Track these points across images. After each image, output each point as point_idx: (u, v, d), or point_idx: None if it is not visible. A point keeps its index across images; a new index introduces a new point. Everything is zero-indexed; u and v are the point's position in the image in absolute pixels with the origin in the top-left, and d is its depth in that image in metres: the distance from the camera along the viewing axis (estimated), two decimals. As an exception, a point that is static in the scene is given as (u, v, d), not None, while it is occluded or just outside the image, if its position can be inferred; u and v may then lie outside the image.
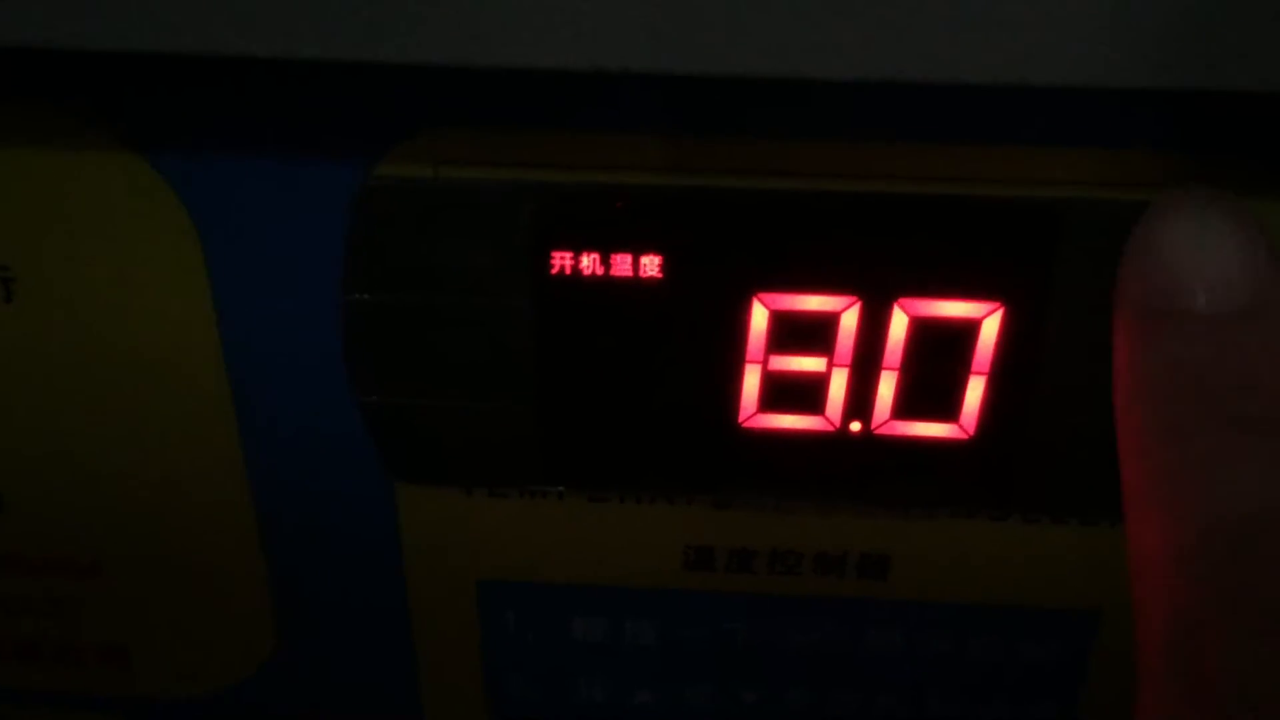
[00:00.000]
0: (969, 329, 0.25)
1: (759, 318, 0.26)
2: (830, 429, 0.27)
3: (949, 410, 0.27)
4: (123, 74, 0.23)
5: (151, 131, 0.24)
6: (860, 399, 0.27)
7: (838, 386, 0.26)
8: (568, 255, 0.25)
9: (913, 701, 0.32)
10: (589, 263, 0.25)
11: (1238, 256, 0.16)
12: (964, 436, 0.27)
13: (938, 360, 0.26)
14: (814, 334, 0.26)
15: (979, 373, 0.26)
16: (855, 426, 0.27)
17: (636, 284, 0.25)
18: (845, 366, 0.26)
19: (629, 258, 0.25)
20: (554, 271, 0.25)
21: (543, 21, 0.20)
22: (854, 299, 0.25)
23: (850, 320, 0.26)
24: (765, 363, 0.26)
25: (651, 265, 0.25)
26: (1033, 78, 0.19)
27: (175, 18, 0.20)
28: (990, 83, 0.20)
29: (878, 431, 0.27)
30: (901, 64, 0.20)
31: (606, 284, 0.25)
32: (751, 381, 0.27)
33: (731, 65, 0.20)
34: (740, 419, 0.27)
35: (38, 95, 0.24)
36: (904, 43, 0.19)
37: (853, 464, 0.27)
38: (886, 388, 0.26)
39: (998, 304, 0.25)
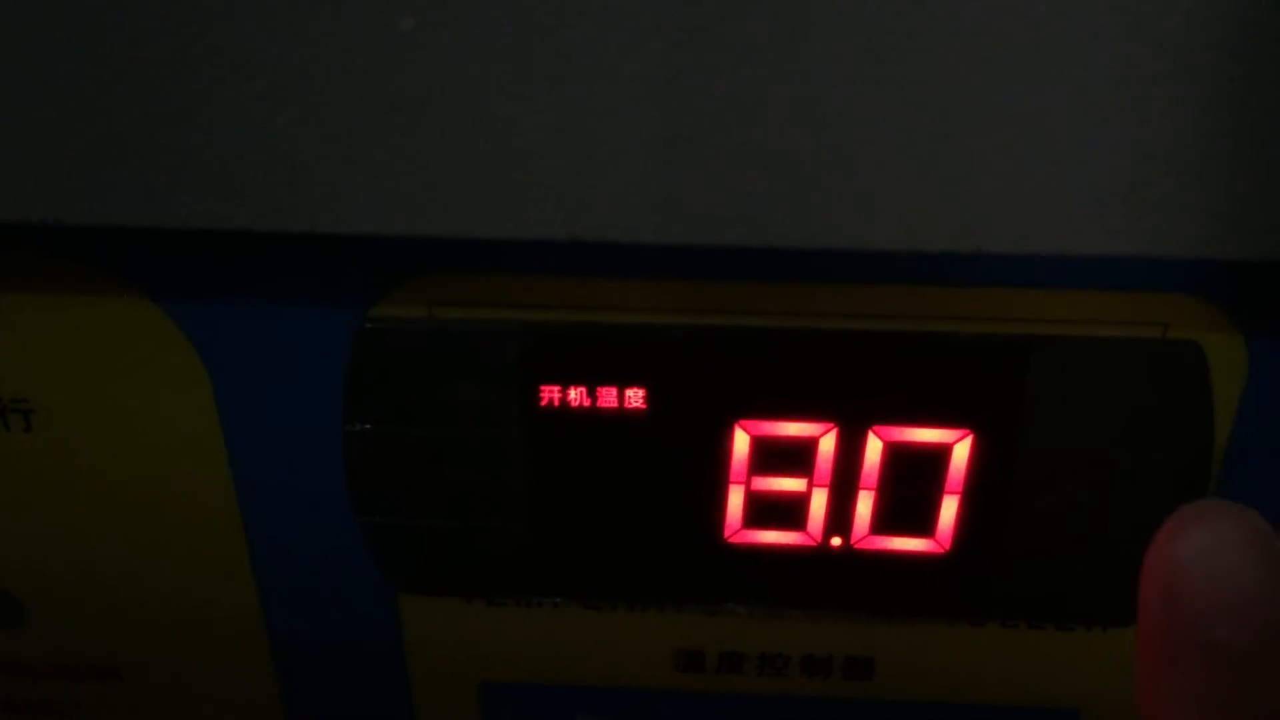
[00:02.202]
0: (941, 453, 0.27)
1: (741, 443, 0.27)
2: (812, 543, 0.28)
3: (925, 526, 0.28)
4: (139, 233, 0.25)
5: (164, 281, 0.26)
6: (840, 516, 0.28)
7: (818, 505, 0.28)
8: (556, 389, 0.26)
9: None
10: (576, 395, 0.27)
11: (1255, 583, 0.15)
12: (940, 550, 0.28)
13: (912, 481, 0.27)
14: (794, 457, 0.27)
15: (952, 492, 0.27)
16: (836, 541, 0.28)
17: (622, 414, 0.27)
18: (825, 486, 0.27)
19: (614, 390, 0.26)
20: (543, 404, 0.27)
21: (527, 200, 0.21)
22: (831, 425, 0.27)
23: (828, 445, 0.27)
24: (748, 483, 0.27)
25: (636, 397, 0.26)
26: (989, 246, 0.21)
27: (187, 200, 0.21)
28: (972, 251, 0.21)
29: (858, 546, 0.28)
30: (877, 236, 0.21)
31: (594, 414, 0.27)
32: (736, 500, 0.28)
33: (722, 238, 0.21)
34: (726, 535, 0.28)
35: (60, 253, 0.26)
36: (881, 218, 0.21)
37: (835, 576, 0.29)
38: (864, 506, 0.28)
39: (967, 431, 0.26)
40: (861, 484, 0.27)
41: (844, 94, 0.20)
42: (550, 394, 0.26)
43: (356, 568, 0.30)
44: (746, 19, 0.19)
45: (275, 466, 0.28)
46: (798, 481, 0.27)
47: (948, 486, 0.27)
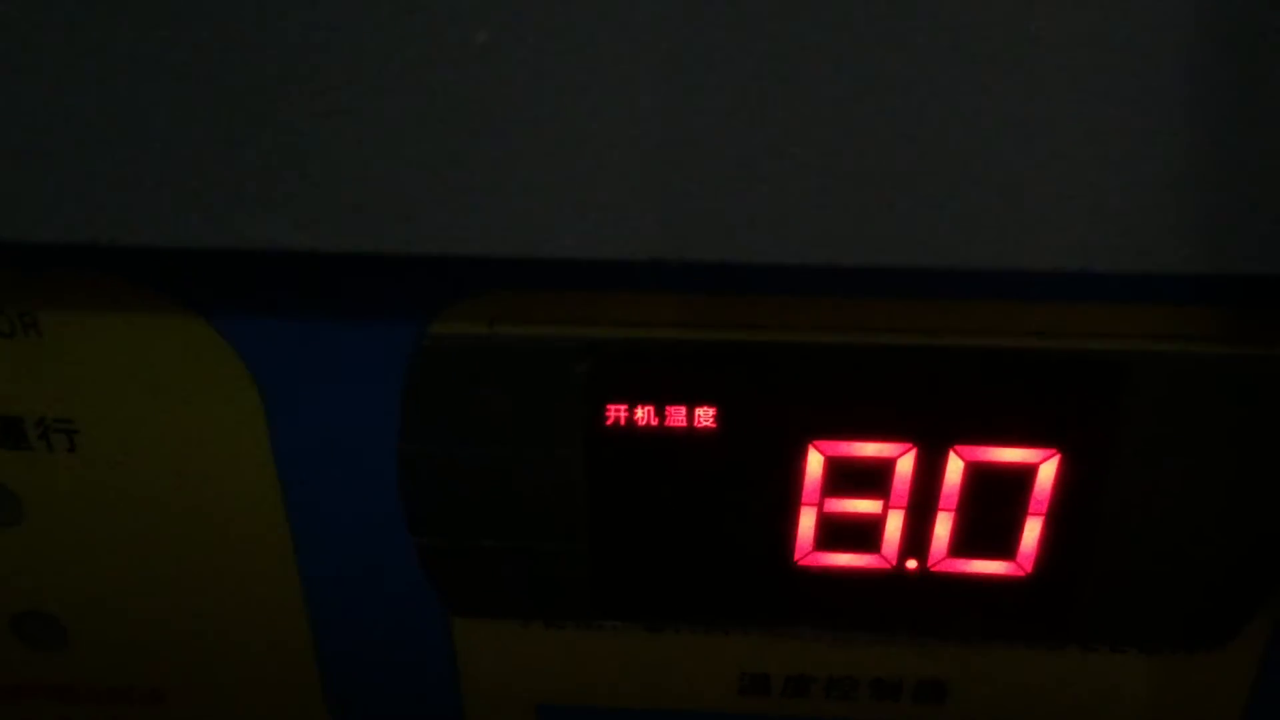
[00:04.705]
0: (1026, 473, 0.25)
1: (814, 464, 0.26)
2: (887, 567, 0.27)
3: (1006, 549, 0.27)
4: (192, 251, 0.24)
5: (216, 298, 0.25)
6: (917, 538, 0.27)
7: (894, 527, 0.26)
8: (622, 408, 0.25)
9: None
10: (644, 414, 0.25)
11: None
12: (1021, 573, 0.27)
13: (994, 502, 0.26)
14: (870, 478, 0.26)
15: (1036, 513, 0.26)
16: (912, 564, 0.27)
17: (691, 433, 0.26)
18: (901, 508, 0.26)
19: (684, 409, 0.25)
20: (609, 422, 0.26)
21: (602, 219, 0.20)
22: (910, 445, 0.25)
23: (906, 465, 0.26)
24: (821, 505, 0.26)
25: (706, 416, 0.25)
26: (1095, 265, 0.20)
27: (243, 223, 0.20)
28: (1048, 270, 0.20)
29: (935, 569, 0.27)
30: (957, 254, 0.20)
31: (661, 433, 0.26)
32: (808, 523, 0.27)
33: (785, 257, 0.20)
34: (797, 558, 0.27)
35: (111, 272, 0.25)
36: (959, 235, 0.20)
37: (910, 599, 0.27)
38: (943, 528, 0.26)
39: (1054, 451, 0.25)
40: (940, 505, 0.26)
41: (960, 114, 0.19)
42: (616, 413, 0.25)
43: (410, 590, 0.29)
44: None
45: (328, 486, 0.27)
46: (873, 503, 0.26)
47: (1032, 507, 0.26)
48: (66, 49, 0.19)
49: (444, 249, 0.20)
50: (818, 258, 0.20)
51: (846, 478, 0.26)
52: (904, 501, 0.26)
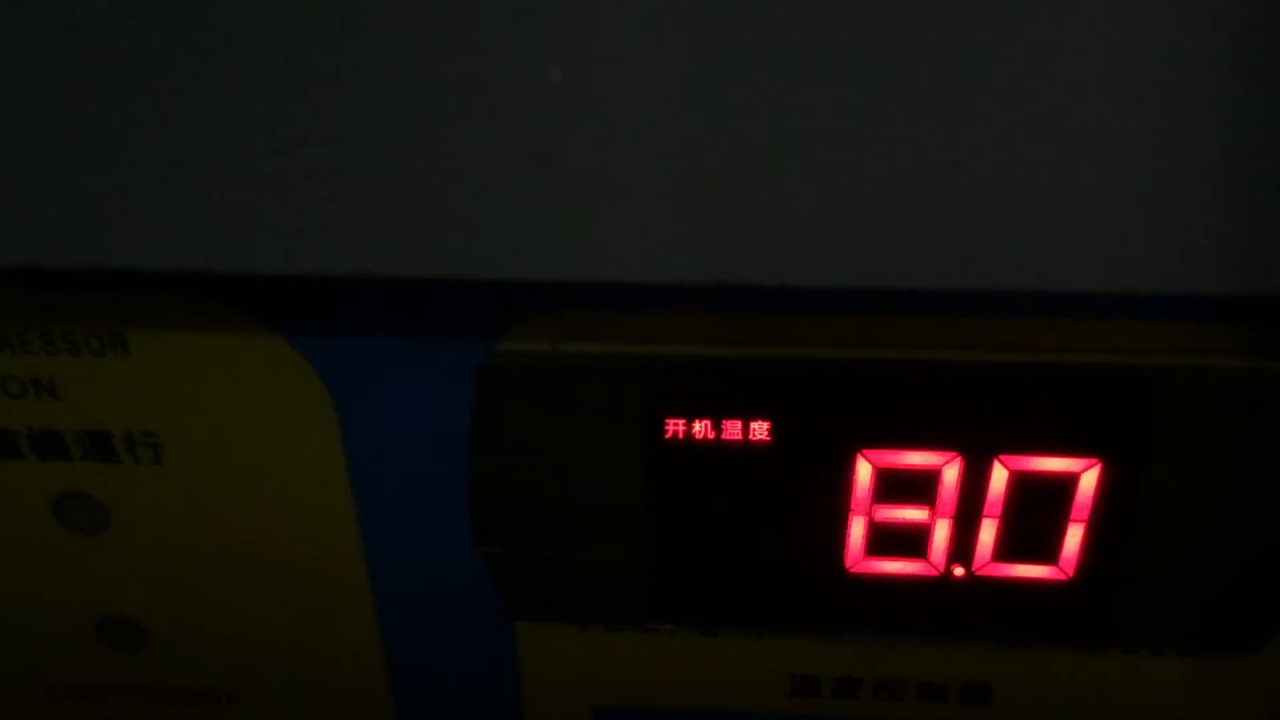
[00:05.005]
0: (1068, 481, 0.26)
1: (864, 473, 0.27)
2: (934, 573, 0.28)
3: (1049, 554, 0.28)
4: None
5: (294, 317, 0.26)
6: (962, 545, 0.28)
7: (940, 534, 0.28)
8: (680, 422, 0.27)
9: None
10: (701, 428, 0.27)
11: None
12: (1063, 578, 0.28)
13: (1037, 509, 0.27)
14: (917, 487, 0.27)
15: (1078, 520, 0.27)
16: (958, 570, 0.28)
17: (746, 446, 0.27)
18: (948, 516, 0.27)
19: (739, 423, 0.26)
20: (667, 436, 0.27)
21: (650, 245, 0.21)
22: (955, 455, 0.27)
23: (952, 474, 0.27)
24: (870, 513, 0.27)
25: (760, 429, 0.27)
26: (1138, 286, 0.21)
27: (317, 248, 0.22)
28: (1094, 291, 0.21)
29: (980, 574, 0.28)
30: (995, 276, 0.21)
31: (718, 446, 0.27)
32: (857, 530, 0.28)
33: (832, 279, 0.21)
34: (847, 564, 0.28)
35: (196, 294, 0.26)
36: (994, 257, 0.21)
37: (956, 604, 0.29)
38: (987, 534, 0.27)
39: (1095, 460, 0.26)
40: (985, 512, 0.27)
41: (1003, 137, 0.20)
42: (675, 427, 0.27)
43: (476, 596, 0.30)
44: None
45: (398, 497, 0.29)
46: (920, 511, 0.27)
47: (1074, 514, 0.27)
48: (157, 78, 0.21)
49: (499, 274, 0.22)
50: (858, 280, 0.21)
51: (895, 487, 0.27)
52: (950, 510, 0.27)
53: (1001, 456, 0.26)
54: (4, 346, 0.27)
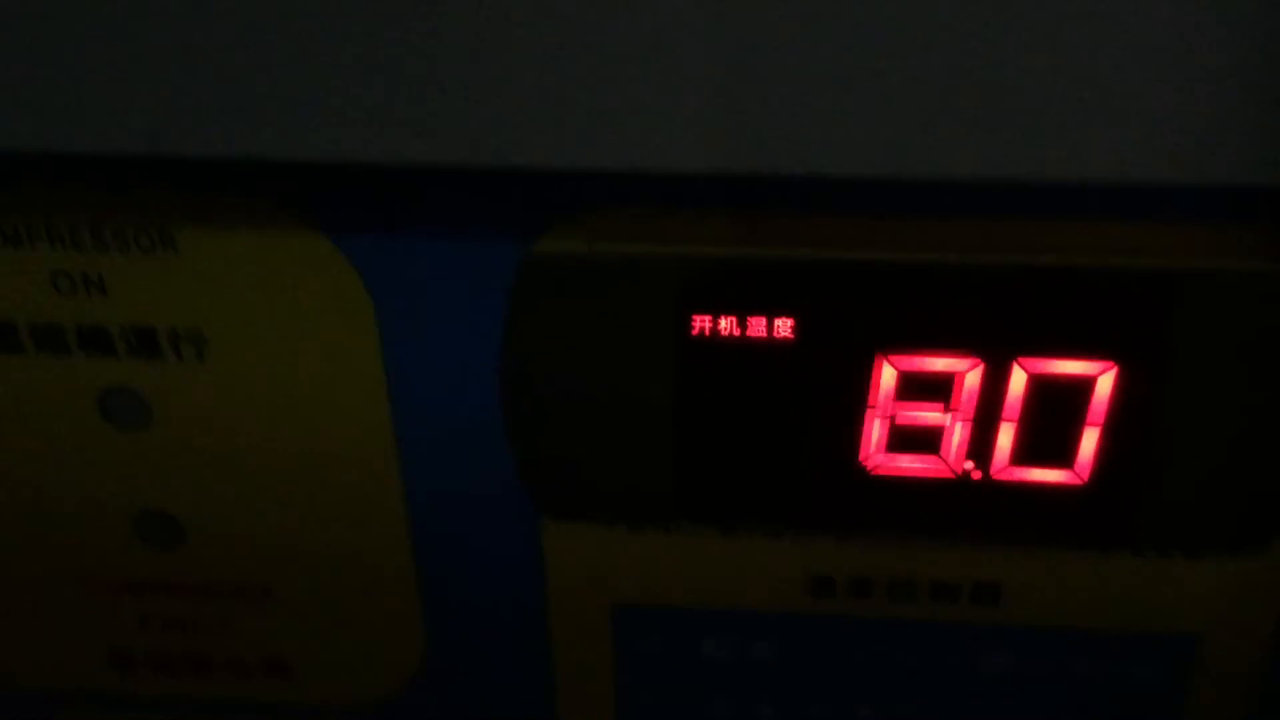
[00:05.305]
0: (1085, 385, 0.27)
1: (887, 375, 0.28)
2: (951, 474, 0.29)
3: (1064, 458, 0.28)
4: (311, 169, 0.26)
5: (334, 214, 0.27)
6: (980, 447, 0.29)
7: (959, 436, 0.28)
8: (707, 319, 0.27)
9: None
10: (727, 325, 0.27)
11: None
12: (1079, 481, 0.29)
13: (1054, 413, 0.28)
14: (937, 389, 0.28)
15: (1094, 424, 0.28)
16: (976, 472, 0.29)
17: (770, 344, 0.28)
18: (968, 419, 0.28)
19: (764, 320, 0.27)
20: (694, 333, 0.28)
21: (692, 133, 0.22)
22: (975, 358, 0.27)
23: (974, 379, 0.28)
24: (891, 414, 0.28)
25: (784, 327, 0.27)
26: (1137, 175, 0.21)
27: (363, 134, 0.23)
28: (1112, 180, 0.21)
29: (996, 477, 0.29)
30: (1019, 166, 0.22)
31: (745, 345, 0.28)
32: (878, 431, 0.29)
33: (864, 169, 0.22)
34: (866, 463, 0.29)
35: (243, 193, 0.27)
36: (1018, 147, 0.21)
37: (972, 505, 0.29)
38: (1005, 437, 0.28)
39: (1112, 363, 0.27)
40: (1004, 415, 0.28)
41: (1019, 25, 0.21)
42: (702, 323, 0.27)
43: (504, 492, 0.31)
44: None
45: (432, 395, 0.30)
46: (939, 413, 0.28)
47: (1089, 418, 0.28)
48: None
49: (536, 162, 0.22)
50: (881, 169, 0.22)
51: (915, 388, 0.28)
52: (970, 412, 0.28)
53: (1021, 359, 0.27)
54: (57, 240, 0.28)
